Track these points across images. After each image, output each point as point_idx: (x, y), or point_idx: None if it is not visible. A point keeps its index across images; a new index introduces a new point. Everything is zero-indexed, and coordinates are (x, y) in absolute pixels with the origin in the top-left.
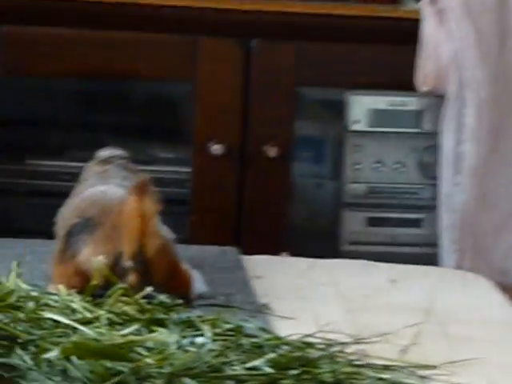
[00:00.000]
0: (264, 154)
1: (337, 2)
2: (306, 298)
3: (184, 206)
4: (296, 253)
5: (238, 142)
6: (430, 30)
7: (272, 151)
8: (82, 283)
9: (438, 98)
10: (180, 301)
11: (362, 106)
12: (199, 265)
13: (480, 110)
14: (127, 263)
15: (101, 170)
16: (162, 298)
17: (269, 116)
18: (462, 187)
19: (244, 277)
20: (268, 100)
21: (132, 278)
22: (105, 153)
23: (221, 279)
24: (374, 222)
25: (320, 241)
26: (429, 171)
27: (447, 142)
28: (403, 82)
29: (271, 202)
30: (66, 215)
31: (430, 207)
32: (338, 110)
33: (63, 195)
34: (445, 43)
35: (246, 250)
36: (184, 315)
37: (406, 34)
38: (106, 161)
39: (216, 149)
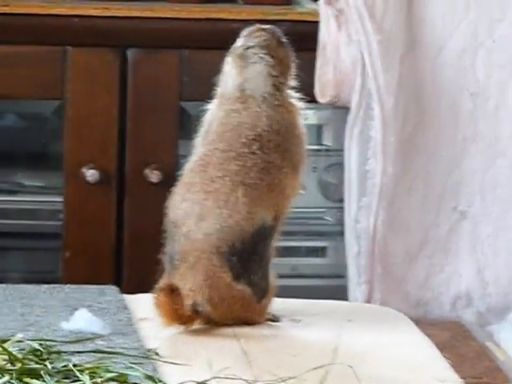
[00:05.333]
0: (145, 180)
1: (224, 3)
2: (198, 340)
3: (56, 240)
4: None
5: (114, 166)
6: (328, 32)
7: (154, 176)
8: None
9: (340, 109)
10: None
11: None
12: (75, 306)
13: (386, 122)
14: None
15: None
16: (35, 345)
17: (149, 136)
18: (368, 210)
19: (127, 319)
20: (147, 118)
21: None
22: None
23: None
24: None
25: None
26: (332, 193)
27: (352, 159)
28: (300, 93)
29: (155, 233)
30: None
31: (335, 234)
32: None
33: None
34: (345, 47)
35: (128, 289)
36: (60, 364)
37: (303, 38)
38: None
39: (91, 175)
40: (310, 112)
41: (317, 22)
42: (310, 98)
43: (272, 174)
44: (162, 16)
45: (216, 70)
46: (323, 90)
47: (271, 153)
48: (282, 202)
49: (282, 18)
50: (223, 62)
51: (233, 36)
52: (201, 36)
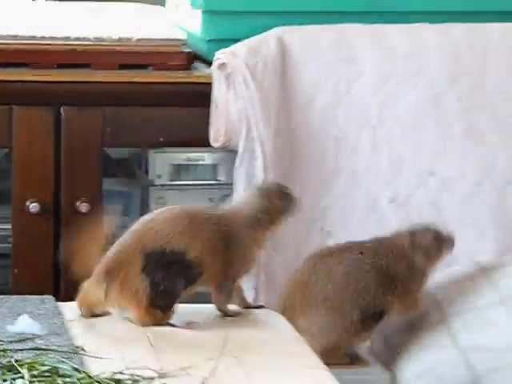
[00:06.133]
0: (76, 210)
1: (137, 69)
2: (116, 338)
3: (7, 259)
4: None
5: (52, 200)
6: (220, 91)
7: (83, 207)
8: None
9: (230, 152)
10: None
11: (163, 162)
12: (19, 312)
13: (266, 162)
14: None
15: None
16: None
17: (79, 175)
18: None
19: (61, 321)
20: (78, 161)
21: None
22: None
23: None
24: None
25: None
26: None
27: (240, 191)
28: (199, 140)
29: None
30: None
31: None
32: (143, 167)
33: None
34: (233, 103)
35: (65, 298)
36: (5, 360)
37: (200, 96)
38: None
39: (33, 207)
40: (208, 154)
41: (211, 84)
42: (207, 143)
43: None
44: (89, 80)
45: (131, 121)
46: (216, 136)
47: None
48: None
49: (184, 80)
50: (136, 115)
51: (145, 95)
52: (119, 96)
